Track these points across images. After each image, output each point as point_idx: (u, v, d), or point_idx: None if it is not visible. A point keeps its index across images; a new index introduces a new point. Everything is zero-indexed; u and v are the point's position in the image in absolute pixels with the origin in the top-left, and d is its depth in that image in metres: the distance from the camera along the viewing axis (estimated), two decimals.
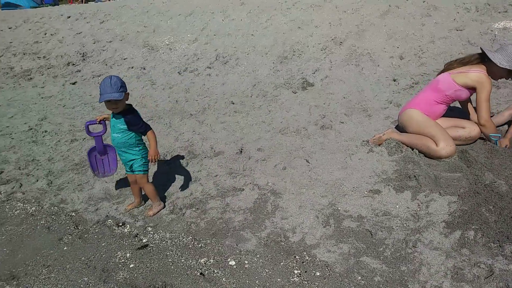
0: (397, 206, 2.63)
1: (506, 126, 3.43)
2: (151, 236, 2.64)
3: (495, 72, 3.06)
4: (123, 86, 2.54)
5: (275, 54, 6.47)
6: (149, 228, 2.73)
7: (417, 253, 2.20)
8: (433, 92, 3.20)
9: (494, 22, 6.34)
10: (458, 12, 6.88)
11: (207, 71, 6.16)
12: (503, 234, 2.22)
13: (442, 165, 3.02)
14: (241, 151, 3.64)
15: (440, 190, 2.71)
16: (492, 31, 6.06)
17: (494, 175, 2.77)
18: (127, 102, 2.66)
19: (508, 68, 2.97)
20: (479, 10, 6.84)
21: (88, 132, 2.85)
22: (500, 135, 3.21)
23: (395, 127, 3.66)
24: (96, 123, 2.79)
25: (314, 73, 5.60)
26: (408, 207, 2.61)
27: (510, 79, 3.19)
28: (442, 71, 3.28)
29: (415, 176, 2.89)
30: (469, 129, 3.20)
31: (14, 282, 2.26)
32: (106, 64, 7.13)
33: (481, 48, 3.17)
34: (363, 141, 3.54)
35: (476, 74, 3.03)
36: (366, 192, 2.82)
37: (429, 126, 3.17)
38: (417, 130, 3.23)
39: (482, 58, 3.11)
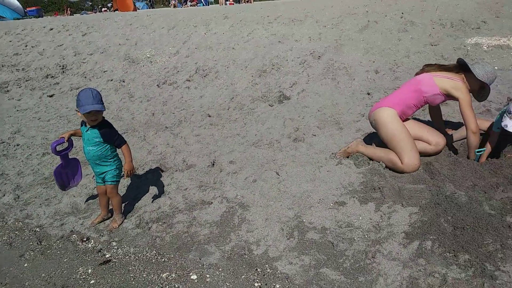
0: (360, 218, 2.66)
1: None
2: (114, 251, 2.63)
3: (472, 84, 3.11)
4: (101, 98, 2.62)
5: (254, 68, 6.55)
6: (113, 242, 2.71)
7: (376, 264, 2.23)
8: (411, 92, 3.16)
9: (467, 37, 6.54)
10: (433, 28, 7.09)
11: (186, 84, 6.20)
12: (458, 243, 2.27)
13: (406, 177, 3.07)
14: (213, 164, 3.66)
15: (403, 202, 2.76)
16: (465, 46, 6.24)
17: (455, 186, 2.83)
18: None
19: (484, 81, 3.04)
20: (454, 26, 7.06)
21: (55, 152, 2.80)
22: (484, 149, 3.22)
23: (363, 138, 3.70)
24: (64, 142, 2.75)
25: (292, 86, 5.68)
26: (371, 219, 2.64)
27: (478, 96, 3.26)
28: (421, 72, 3.24)
29: (379, 188, 2.94)
30: (435, 146, 3.20)
31: None
32: (85, 77, 7.12)
33: (460, 59, 3.21)
34: (332, 153, 3.59)
35: (455, 82, 3.04)
36: (331, 204, 2.86)
37: (399, 139, 3.11)
38: (386, 138, 3.19)
39: (460, 69, 3.18)
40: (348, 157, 3.43)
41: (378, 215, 2.68)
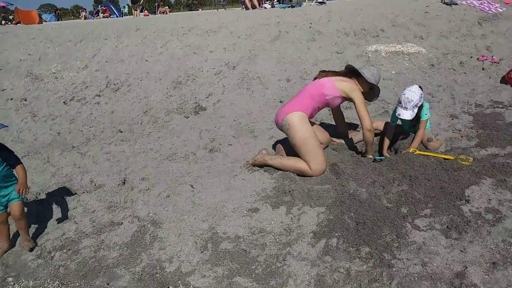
0: (272, 222, 2.72)
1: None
2: (11, 287, 2.37)
3: (362, 87, 3.42)
4: None
5: (169, 79, 6.43)
6: (9, 278, 2.44)
7: (286, 266, 2.29)
8: (316, 96, 3.33)
9: (368, 45, 7.11)
10: (339, 37, 7.60)
11: (96, 99, 5.87)
12: (360, 237, 2.42)
13: (314, 178, 3.22)
14: (124, 182, 3.50)
15: (311, 203, 2.88)
16: (366, 53, 6.77)
17: (357, 184, 3.04)
18: None
19: (373, 83, 3.34)
20: (357, 35, 7.64)
21: None
22: (384, 157, 3.45)
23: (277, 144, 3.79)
24: None
25: (208, 97, 5.67)
26: (282, 222, 2.72)
27: (369, 96, 3.56)
28: (320, 76, 3.43)
29: (290, 191, 3.04)
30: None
31: None
32: None
33: (349, 65, 3.50)
34: (246, 161, 3.64)
35: (351, 85, 3.33)
36: (245, 212, 2.88)
37: (309, 145, 3.22)
38: (298, 143, 3.25)
39: (351, 74, 3.44)
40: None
41: (289, 217, 2.76)
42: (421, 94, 3.32)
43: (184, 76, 6.49)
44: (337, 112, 3.79)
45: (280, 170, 3.38)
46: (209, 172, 3.57)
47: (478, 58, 6.01)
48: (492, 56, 5.95)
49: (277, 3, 13.18)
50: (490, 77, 5.45)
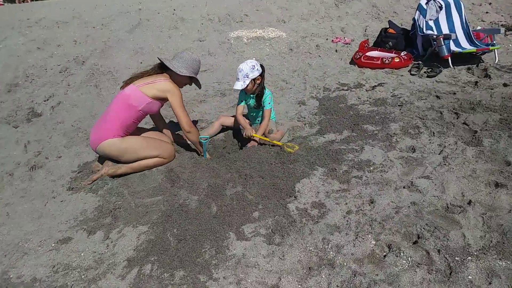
0: (82, 254, 2.29)
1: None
2: None
3: (178, 80, 3.06)
4: None
5: (3, 82, 5.44)
6: None
7: None
8: (126, 111, 2.91)
9: (231, 31, 6.89)
10: (202, 23, 7.26)
11: None
12: (178, 258, 2.14)
13: (147, 190, 2.86)
14: None
15: (134, 222, 2.52)
16: (228, 40, 6.55)
17: (190, 192, 2.76)
18: None
19: (188, 74, 3.02)
20: (221, 21, 7.39)
21: None
22: (208, 136, 3.28)
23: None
24: None
25: (47, 100, 4.89)
26: (94, 252, 2.31)
27: (197, 84, 3.27)
28: (126, 85, 3.00)
29: (113, 211, 2.64)
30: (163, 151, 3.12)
31: None
32: None
33: (158, 58, 3.14)
34: (71, 178, 3.12)
35: (163, 83, 2.94)
36: (53, 244, 2.40)
37: (145, 148, 2.98)
38: (135, 157, 2.98)
39: (164, 68, 3.08)
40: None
41: (104, 244, 2.36)
42: (254, 66, 3.16)
43: (22, 77, 5.55)
44: (157, 116, 3.42)
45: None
46: (23, 196, 2.97)
47: (332, 40, 6.20)
48: (344, 38, 6.19)
49: None
50: (341, 59, 5.65)
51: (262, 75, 3.24)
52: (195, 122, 4.01)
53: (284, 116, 3.93)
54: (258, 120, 3.54)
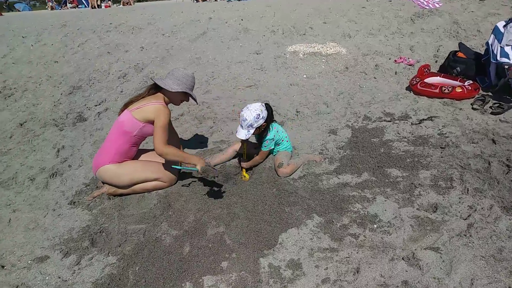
0: (47, 278, 2.30)
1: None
2: None
3: (173, 97, 2.97)
4: None
5: (69, 84, 5.93)
6: None
7: None
8: (121, 137, 2.91)
9: (290, 45, 6.60)
10: (264, 35, 7.12)
11: None
12: None
13: (136, 215, 2.80)
14: None
15: (108, 250, 2.46)
16: (284, 54, 6.31)
17: (170, 224, 2.63)
18: None
19: (180, 90, 2.90)
20: (284, 33, 7.17)
21: None
22: (181, 167, 3.00)
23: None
24: None
25: (97, 105, 5.20)
26: (59, 277, 2.29)
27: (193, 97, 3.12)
28: (121, 111, 2.97)
29: (96, 234, 2.63)
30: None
31: None
32: None
33: (151, 78, 3.07)
34: (76, 191, 3.20)
35: (152, 106, 2.84)
36: (29, 262, 2.45)
37: (140, 171, 2.98)
38: (130, 183, 3.00)
39: (158, 88, 3.00)
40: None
41: (71, 271, 2.34)
42: (258, 115, 2.92)
43: (86, 80, 6.00)
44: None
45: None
46: (31, 204, 3.12)
47: (395, 60, 5.60)
48: (409, 58, 5.55)
49: None
50: (398, 83, 5.04)
51: (267, 120, 3.04)
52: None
53: (308, 146, 3.60)
54: (273, 152, 3.34)
